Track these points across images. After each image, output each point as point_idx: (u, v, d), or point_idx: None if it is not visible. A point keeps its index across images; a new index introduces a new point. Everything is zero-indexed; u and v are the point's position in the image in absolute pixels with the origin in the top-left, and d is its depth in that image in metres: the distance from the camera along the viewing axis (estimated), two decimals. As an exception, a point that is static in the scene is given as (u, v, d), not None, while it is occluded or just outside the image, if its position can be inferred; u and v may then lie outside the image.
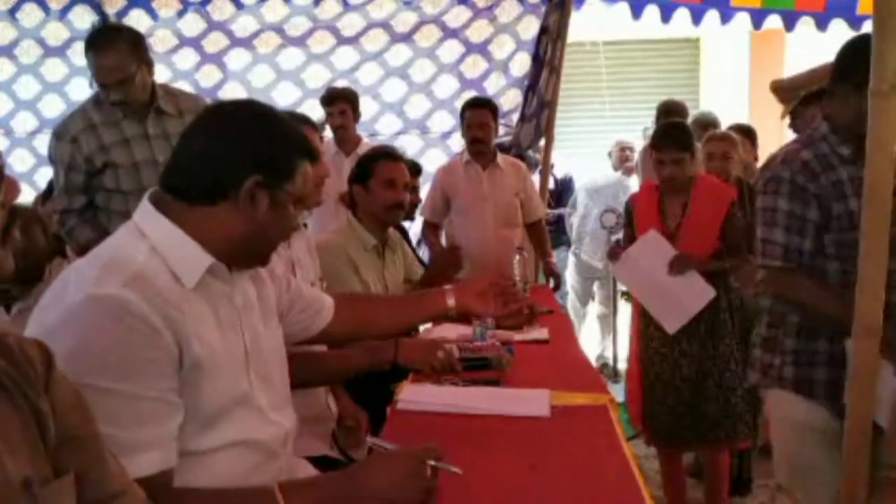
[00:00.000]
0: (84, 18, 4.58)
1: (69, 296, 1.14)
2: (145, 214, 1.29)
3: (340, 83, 4.54)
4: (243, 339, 1.33)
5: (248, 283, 1.42)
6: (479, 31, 4.69)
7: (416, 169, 3.82)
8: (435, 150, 4.78)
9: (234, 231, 1.29)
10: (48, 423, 0.88)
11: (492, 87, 4.71)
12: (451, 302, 1.76)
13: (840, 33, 4.28)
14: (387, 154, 2.83)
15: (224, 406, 1.26)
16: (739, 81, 7.96)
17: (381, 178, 2.70)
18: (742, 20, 4.51)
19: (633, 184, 5.42)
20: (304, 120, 2.20)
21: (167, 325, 1.16)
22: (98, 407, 1.07)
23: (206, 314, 1.26)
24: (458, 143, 4.57)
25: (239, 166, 1.27)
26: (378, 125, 4.74)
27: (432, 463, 1.28)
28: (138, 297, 1.14)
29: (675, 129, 3.11)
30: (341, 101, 4.17)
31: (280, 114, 1.40)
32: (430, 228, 4.16)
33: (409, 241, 3.78)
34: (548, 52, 4.59)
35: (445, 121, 4.73)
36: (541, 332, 2.67)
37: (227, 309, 1.32)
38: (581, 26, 5.06)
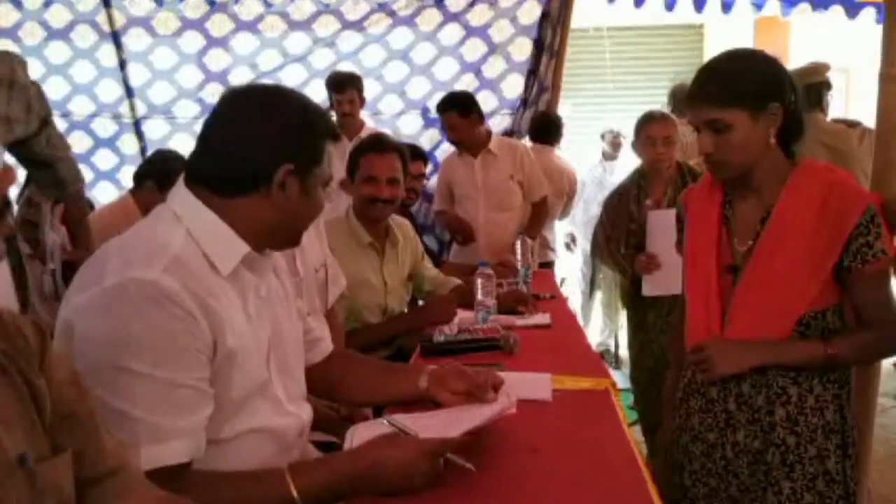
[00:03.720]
0: (86, 1, 4.58)
1: (107, 278, 1.13)
2: (180, 198, 1.28)
3: (344, 65, 4.55)
4: (267, 330, 1.34)
5: (270, 275, 1.43)
6: (479, 14, 4.69)
7: (420, 155, 3.81)
8: (434, 130, 4.79)
9: (268, 219, 1.29)
10: (45, 400, 0.88)
11: (490, 70, 4.72)
12: (422, 383, 1.64)
13: (839, 20, 4.29)
14: (372, 146, 2.71)
15: (247, 396, 1.27)
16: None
17: (363, 173, 2.65)
18: (742, 8, 4.50)
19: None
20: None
21: (204, 313, 1.17)
22: (133, 391, 1.09)
23: (237, 303, 1.27)
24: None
25: (271, 157, 1.27)
26: (380, 105, 4.76)
27: (449, 456, 1.29)
28: (178, 284, 1.14)
29: (717, 67, 1.67)
30: (351, 88, 4.18)
31: (305, 99, 1.38)
32: (440, 216, 4.28)
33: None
34: (548, 36, 4.59)
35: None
36: (543, 317, 2.68)
37: (255, 299, 1.33)
38: (585, 12, 5.05)
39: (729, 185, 1.76)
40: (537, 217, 4.25)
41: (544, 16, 4.61)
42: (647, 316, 3.28)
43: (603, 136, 5.68)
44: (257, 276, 1.34)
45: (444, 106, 3.99)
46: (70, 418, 0.91)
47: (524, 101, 4.70)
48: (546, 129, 4.74)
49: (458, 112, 3.95)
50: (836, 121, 3.47)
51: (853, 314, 1.70)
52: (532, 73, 4.69)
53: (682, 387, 1.87)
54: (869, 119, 3.07)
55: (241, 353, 1.24)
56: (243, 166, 1.27)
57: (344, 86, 4.17)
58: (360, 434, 1.43)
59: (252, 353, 1.28)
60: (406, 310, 2.96)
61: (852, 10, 4.29)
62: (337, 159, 1.53)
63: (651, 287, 3.11)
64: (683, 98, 2.88)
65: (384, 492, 1.26)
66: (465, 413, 1.51)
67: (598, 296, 5.80)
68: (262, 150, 1.27)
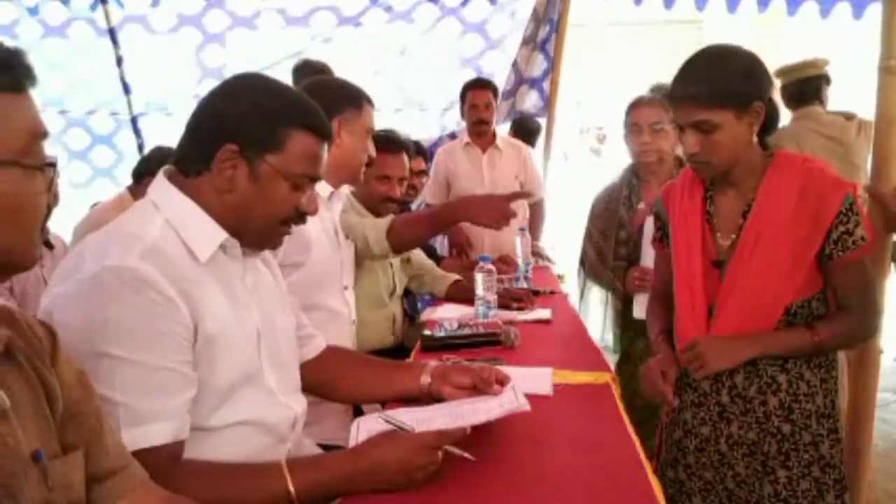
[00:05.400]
0: (82, -1, 4.57)
1: (86, 268, 1.14)
2: (158, 188, 1.29)
3: (342, 61, 4.53)
4: (255, 319, 1.34)
5: (260, 266, 1.43)
6: (477, 11, 4.69)
7: (420, 152, 3.80)
8: (432, 125, 4.80)
9: (222, 202, 1.28)
10: (57, 398, 0.89)
11: (488, 65, 4.72)
12: (425, 380, 1.63)
13: (842, 16, 4.25)
14: (388, 146, 2.70)
15: (234, 383, 1.26)
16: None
17: (378, 171, 2.66)
18: (748, 5, 4.45)
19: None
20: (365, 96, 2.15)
21: (183, 298, 1.17)
22: (114, 376, 1.10)
23: (217, 290, 1.27)
24: (453, 119, 4.59)
25: (215, 134, 1.26)
26: (377, 101, 4.74)
27: (447, 448, 1.28)
28: (155, 270, 1.15)
29: (703, 67, 1.66)
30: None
31: (276, 86, 1.35)
32: None
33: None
34: (529, 29, 4.63)
35: (442, 98, 4.74)
36: (543, 312, 2.67)
37: (240, 287, 1.33)
38: (583, 8, 5.04)
39: (709, 181, 1.78)
40: (537, 218, 4.24)
41: (534, 10, 4.63)
42: (635, 344, 2.82)
43: (588, 130, 5.66)
44: (239, 264, 1.34)
45: (481, 83, 4.04)
46: (77, 417, 0.93)
47: (504, 92, 4.72)
48: (527, 130, 4.76)
49: (494, 92, 4.02)
50: (832, 113, 3.49)
51: (834, 299, 1.72)
52: (513, 65, 4.72)
53: (673, 382, 1.85)
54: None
55: (224, 340, 1.24)
56: (195, 143, 1.29)
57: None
58: (364, 427, 1.42)
59: (237, 340, 1.27)
60: (403, 291, 2.99)
61: (858, 7, 4.22)
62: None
63: (643, 309, 2.28)
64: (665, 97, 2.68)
65: (384, 489, 1.25)
66: (470, 407, 1.50)
67: (596, 292, 5.77)
68: (209, 127, 1.28)
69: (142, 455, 1.07)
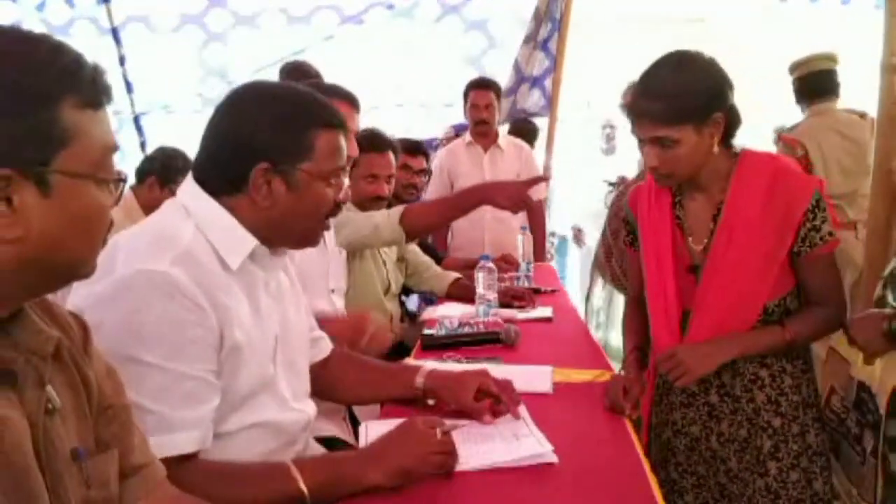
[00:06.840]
0: (86, -3, 4.58)
1: (118, 269, 1.14)
2: (189, 193, 1.28)
3: (343, 59, 4.55)
4: (275, 328, 1.34)
5: (279, 272, 1.42)
6: (478, 8, 4.69)
7: (421, 150, 3.80)
8: (433, 122, 4.81)
9: (261, 219, 1.27)
10: (94, 392, 0.90)
11: (490, 64, 4.72)
12: (419, 382, 1.62)
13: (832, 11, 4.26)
14: (371, 145, 2.68)
15: (252, 391, 1.27)
16: (745, 62, 7.89)
17: (364, 171, 2.66)
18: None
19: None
20: (346, 96, 2.11)
21: (212, 306, 1.17)
22: (143, 381, 1.10)
23: (243, 298, 1.26)
24: (455, 116, 4.58)
25: (242, 158, 1.25)
26: (379, 98, 4.75)
27: (446, 423, 1.29)
28: (187, 277, 1.15)
29: (662, 83, 1.62)
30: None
31: (284, 91, 1.34)
32: None
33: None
34: (531, 28, 4.62)
35: (444, 94, 4.75)
36: (544, 311, 2.68)
37: (264, 295, 1.33)
38: (584, 5, 5.04)
39: (675, 186, 1.77)
40: (538, 221, 4.24)
41: (535, 9, 4.63)
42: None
43: (604, 126, 5.63)
44: (265, 272, 1.34)
45: (483, 83, 4.04)
46: (108, 410, 0.93)
47: (504, 90, 4.72)
48: (523, 133, 4.77)
49: (496, 92, 4.02)
50: (846, 111, 3.48)
51: (803, 295, 1.74)
52: (513, 64, 4.73)
53: (659, 383, 1.87)
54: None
55: (248, 348, 1.24)
56: (220, 168, 1.27)
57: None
58: (373, 429, 1.43)
59: (258, 348, 1.28)
60: (399, 290, 2.99)
61: None
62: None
63: None
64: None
65: (393, 467, 1.23)
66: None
67: (598, 291, 5.77)
68: (234, 152, 1.26)
69: (164, 462, 1.06)
